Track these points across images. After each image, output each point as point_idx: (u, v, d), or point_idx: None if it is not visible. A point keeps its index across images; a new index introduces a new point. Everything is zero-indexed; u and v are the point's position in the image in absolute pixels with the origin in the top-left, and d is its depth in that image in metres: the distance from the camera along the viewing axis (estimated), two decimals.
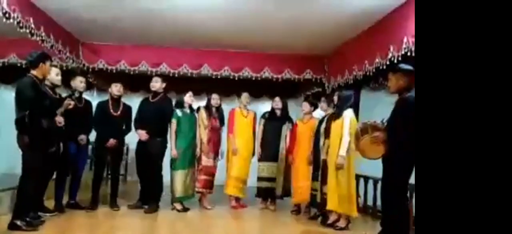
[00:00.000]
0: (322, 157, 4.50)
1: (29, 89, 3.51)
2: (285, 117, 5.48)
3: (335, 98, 4.45)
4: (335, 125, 4.31)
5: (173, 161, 4.94)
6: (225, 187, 5.37)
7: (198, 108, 5.30)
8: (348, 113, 4.24)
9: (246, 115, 5.47)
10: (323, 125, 4.58)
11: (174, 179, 4.94)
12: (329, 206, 4.22)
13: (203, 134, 5.18)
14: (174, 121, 4.94)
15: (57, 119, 3.92)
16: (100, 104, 4.98)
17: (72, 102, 4.10)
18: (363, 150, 3.31)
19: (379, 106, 4.25)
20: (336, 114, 4.35)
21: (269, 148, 5.36)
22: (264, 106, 5.96)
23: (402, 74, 3.23)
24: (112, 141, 4.78)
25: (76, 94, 4.59)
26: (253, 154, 5.46)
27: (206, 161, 5.17)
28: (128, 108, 5.03)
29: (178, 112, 4.99)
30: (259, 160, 5.40)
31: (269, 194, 5.37)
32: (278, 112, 5.44)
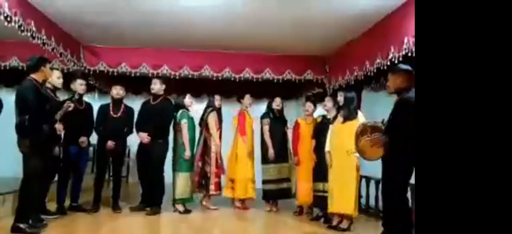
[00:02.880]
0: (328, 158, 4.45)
1: (30, 93, 3.52)
2: (283, 117, 5.51)
3: (341, 98, 4.37)
4: (348, 126, 4.11)
5: (178, 163, 4.95)
6: (245, 191, 5.31)
7: (210, 110, 5.26)
8: (361, 114, 4.22)
9: (250, 117, 5.53)
10: (335, 125, 4.38)
11: (177, 180, 4.95)
12: (334, 208, 4.22)
13: (216, 136, 5.19)
14: (185, 122, 4.95)
15: (57, 126, 3.91)
16: (102, 107, 5.01)
17: (72, 105, 4.11)
18: (363, 151, 3.29)
19: (380, 106, 4.24)
20: (347, 115, 4.23)
21: (280, 149, 5.31)
22: (265, 107, 5.96)
23: (400, 74, 3.23)
24: (110, 143, 4.78)
25: (76, 97, 4.59)
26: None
27: (220, 163, 5.23)
28: (129, 110, 5.04)
29: (188, 113, 5.01)
30: (266, 162, 5.30)
31: (278, 195, 5.32)
32: (278, 113, 5.44)
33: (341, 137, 4.18)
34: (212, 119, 5.21)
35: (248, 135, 5.41)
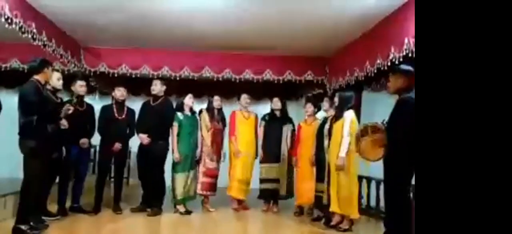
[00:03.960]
0: (327, 158, 4.50)
1: (34, 94, 3.54)
2: (285, 117, 5.49)
3: (336, 99, 4.47)
4: (336, 126, 4.33)
5: (174, 164, 4.95)
6: (228, 189, 5.38)
7: (200, 111, 5.32)
8: (349, 114, 4.25)
9: (247, 117, 5.49)
10: (327, 126, 4.59)
11: (175, 181, 4.95)
12: (332, 207, 4.24)
13: (206, 137, 5.19)
14: (175, 124, 4.94)
15: (62, 122, 3.91)
16: (104, 108, 5.00)
17: (72, 108, 4.10)
18: (363, 151, 3.34)
19: (381, 107, 4.25)
20: (337, 116, 4.37)
21: (270, 150, 5.34)
22: (265, 108, 5.96)
23: (401, 75, 3.24)
24: (117, 145, 4.79)
25: (75, 99, 4.57)
26: (256, 156, 5.47)
27: (209, 163, 5.18)
28: (131, 112, 5.05)
29: (180, 115, 5.00)
30: (261, 162, 5.39)
31: (272, 195, 5.36)
32: (278, 113, 5.44)
33: (333, 137, 4.35)
34: (202, 118, 5.24)
35: (239, 136, 5.38)
